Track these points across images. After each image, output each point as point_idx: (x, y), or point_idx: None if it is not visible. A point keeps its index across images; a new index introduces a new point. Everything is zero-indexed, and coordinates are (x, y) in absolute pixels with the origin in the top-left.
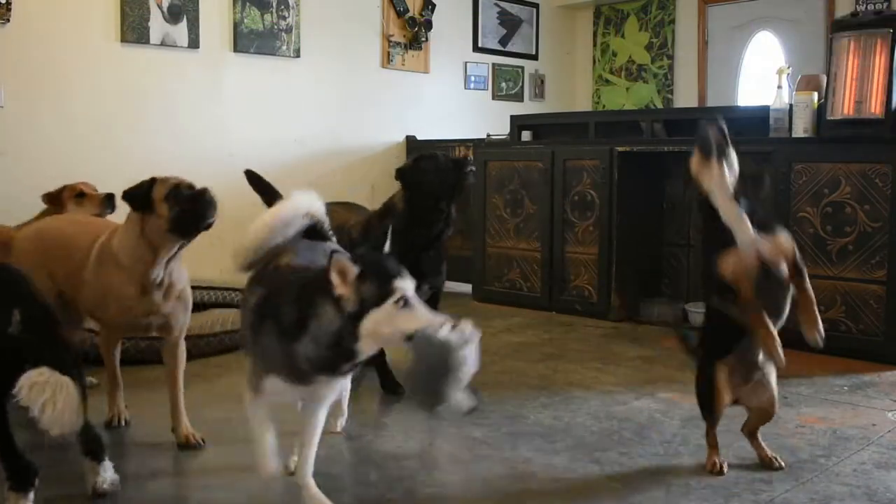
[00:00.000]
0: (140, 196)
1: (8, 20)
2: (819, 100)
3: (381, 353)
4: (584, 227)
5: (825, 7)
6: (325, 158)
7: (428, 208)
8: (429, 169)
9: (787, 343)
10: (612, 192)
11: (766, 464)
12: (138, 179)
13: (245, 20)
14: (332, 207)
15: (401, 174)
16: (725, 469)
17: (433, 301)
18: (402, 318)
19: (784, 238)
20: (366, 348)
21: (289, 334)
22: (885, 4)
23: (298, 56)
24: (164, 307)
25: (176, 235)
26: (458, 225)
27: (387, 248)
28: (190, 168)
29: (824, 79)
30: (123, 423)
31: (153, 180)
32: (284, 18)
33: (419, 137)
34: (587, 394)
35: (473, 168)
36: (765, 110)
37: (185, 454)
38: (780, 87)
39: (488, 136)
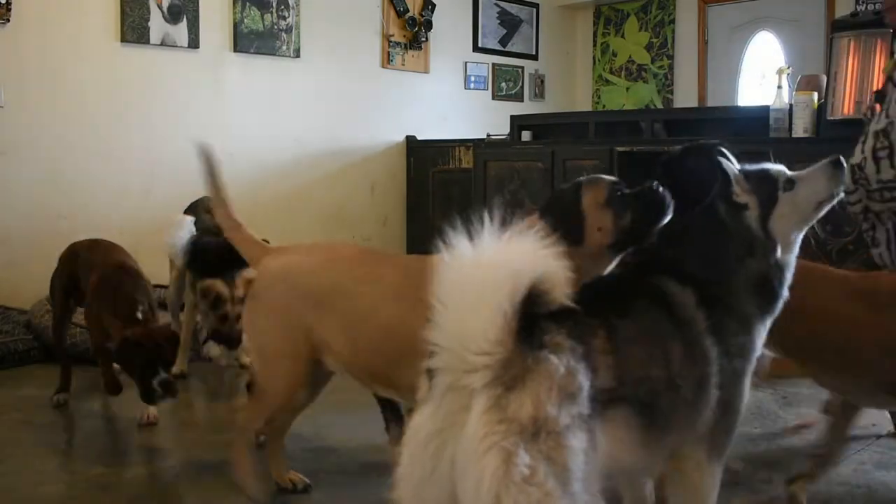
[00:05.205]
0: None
1: (8, 20)
2: (819, 100)
3: None
4: None
5: (825, 7)
6: (324, 158)
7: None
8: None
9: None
10: None
11: None
12: (138, 179)
13: (245, 20)
14: None
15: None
16: None
17: None
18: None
19: None
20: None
21: None
22: None
23: (298, 56)
24: None
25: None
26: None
27: None
28: (189, 168)
29: (824, 79)
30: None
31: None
32: (284, 18)
33: (419, 137)
34: None
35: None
36: (765, 110)
37: None
38: (780, 87)
39: (488, 136)
